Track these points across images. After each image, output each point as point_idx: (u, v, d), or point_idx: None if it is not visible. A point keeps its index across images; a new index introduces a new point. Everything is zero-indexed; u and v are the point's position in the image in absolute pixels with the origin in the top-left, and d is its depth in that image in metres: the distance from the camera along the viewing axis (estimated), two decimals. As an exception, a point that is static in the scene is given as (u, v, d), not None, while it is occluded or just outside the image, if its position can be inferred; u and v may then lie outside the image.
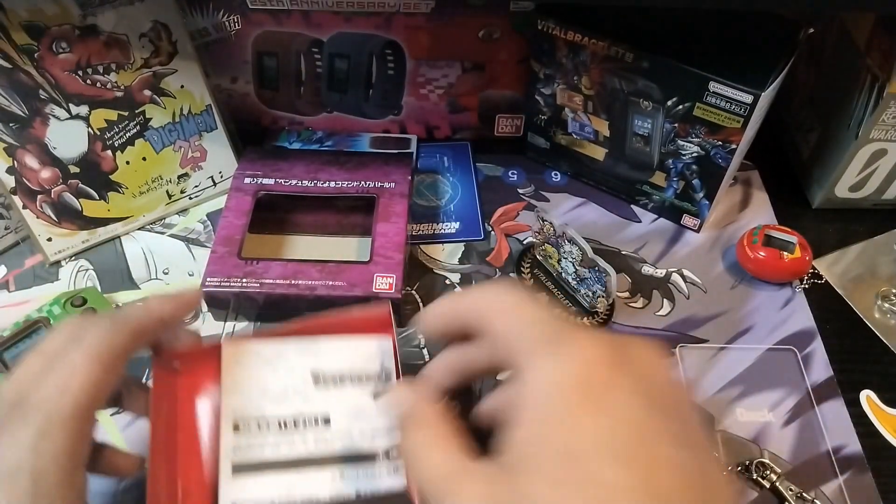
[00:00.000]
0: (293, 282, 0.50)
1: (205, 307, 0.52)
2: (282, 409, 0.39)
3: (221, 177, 0.61)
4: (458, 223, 0.60)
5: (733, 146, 0.52)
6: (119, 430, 0.47)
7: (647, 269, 0.58)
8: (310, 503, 0.37)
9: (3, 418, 0.28)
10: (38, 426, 0.28)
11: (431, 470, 0.27)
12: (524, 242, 0.59)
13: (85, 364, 0.29)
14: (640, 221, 0.61)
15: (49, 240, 0.55)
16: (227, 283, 0.50)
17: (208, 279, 0.50)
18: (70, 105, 0.51)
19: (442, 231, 0.59)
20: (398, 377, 0.40)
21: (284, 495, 0.37)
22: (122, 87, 0.53)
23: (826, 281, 0.57)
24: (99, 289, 0.55)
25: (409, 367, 0.51)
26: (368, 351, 0.41)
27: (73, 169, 0.53)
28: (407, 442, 0.29)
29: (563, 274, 0.55)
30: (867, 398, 0.50)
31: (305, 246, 0.57)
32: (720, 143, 0.52)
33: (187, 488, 0.37)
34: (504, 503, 0.24)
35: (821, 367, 0.52)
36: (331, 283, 0.49)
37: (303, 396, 0.39)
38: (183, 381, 0.38)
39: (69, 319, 0.34)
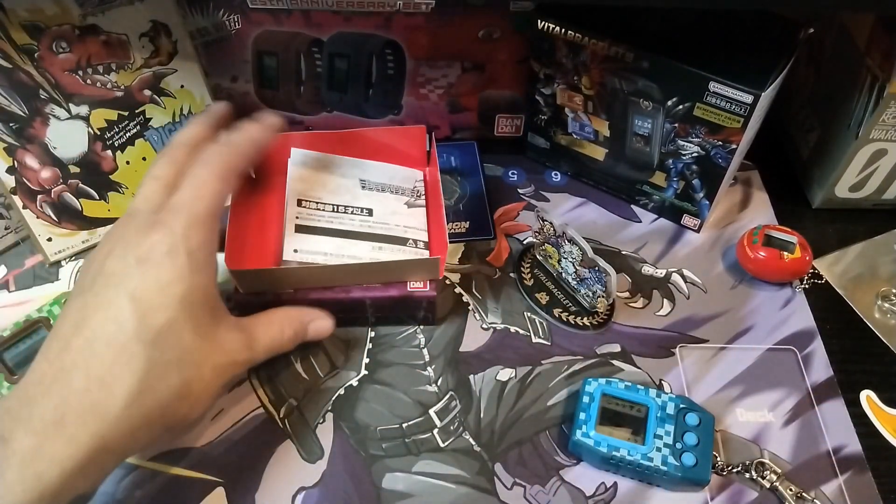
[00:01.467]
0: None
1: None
2: (335, 198, 0.52)
3: (221, 177, 0.61)
4: (467, 222, 0.60)
5: (733, 146, 0.52)
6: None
7: (647, 269, 0.58)
8: (353, 257, 0.49)
9: (154, 217, 0.38)
10: (186, 220, 0.37)
11: None
12: (524, 242, 0.59)
13: (211, 179, 0.39)
14: (640, 221, 0.61)
15: (49, 240, 0.55)
16: None
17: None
18: (70, 105, 0.51)
19: (452, 231, 0.59)
20: (426, 197, 0.54)
21: (334, 251, 0.49)
22: (122, 87, 0.53)
23: (826, 281, 0.57)
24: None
25: (408, 366, 0.51)
26: (405, 175, 0.55)
27: (74, 169, 0.53)
28: None
29: (563, 274, 0.55)
30: (867, 398, 0.50)
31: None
32: (720, 143, 0.52)
33: (258, 241, 0.50)
34: None
35: (821, 367, 0.52)
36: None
37: (352, 194, 0.52)
38: (256, 178, 0.53)
39: (186, 138, 0.44)
